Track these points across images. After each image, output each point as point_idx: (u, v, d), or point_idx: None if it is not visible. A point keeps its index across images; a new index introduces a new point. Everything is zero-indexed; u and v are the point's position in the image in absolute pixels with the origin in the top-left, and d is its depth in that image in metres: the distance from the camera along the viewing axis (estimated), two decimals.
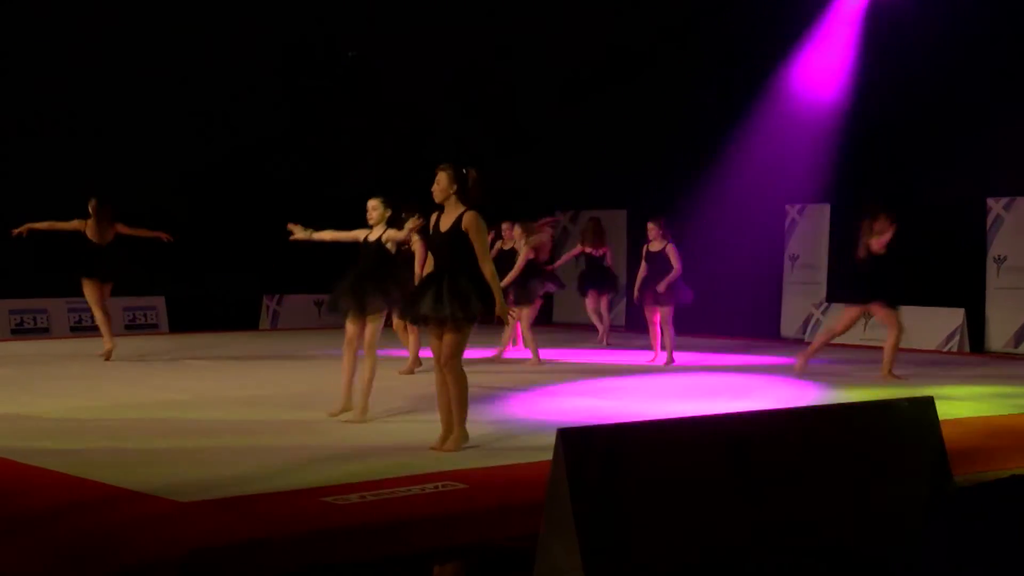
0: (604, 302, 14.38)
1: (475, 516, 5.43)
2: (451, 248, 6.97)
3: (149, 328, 16.13)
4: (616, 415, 8.39)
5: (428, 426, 7.81)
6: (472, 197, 7.06)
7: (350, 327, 8.04)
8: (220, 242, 16.47)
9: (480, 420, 7.90)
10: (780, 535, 4.64)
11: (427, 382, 10.49)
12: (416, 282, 10.63)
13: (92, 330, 15.43)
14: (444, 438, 7.05)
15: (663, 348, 12.26)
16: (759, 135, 15.94)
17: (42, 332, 15.30)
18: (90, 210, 12.23)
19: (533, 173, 17.49)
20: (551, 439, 4.22)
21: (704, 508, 4.46)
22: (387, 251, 7.97)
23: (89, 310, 16.07)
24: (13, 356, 12.69)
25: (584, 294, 14.27)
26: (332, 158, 16.92)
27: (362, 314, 7.95)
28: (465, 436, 7.08)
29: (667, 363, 12.02)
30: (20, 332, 15.14)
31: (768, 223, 16.49)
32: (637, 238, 17.44)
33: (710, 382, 10.88)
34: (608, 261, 14.16)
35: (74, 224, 12.14)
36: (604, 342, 14.29)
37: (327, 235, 8.23)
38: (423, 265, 10.76)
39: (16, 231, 12.01)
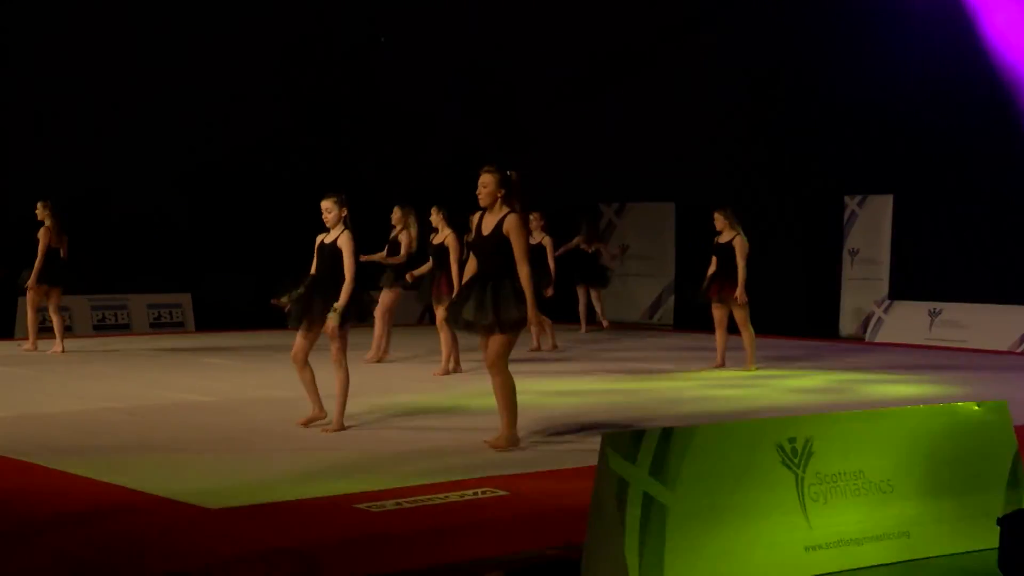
0: (595, 295, 15.87)
1: (517, 524, 5.43)
2: (494, 252, 7.09)
3: (174, 327, 16.29)
4: (664, 418, 8.37)
5: (456, 432, 7.85)
6: (516, 200, 7.14)
7: (299, 339, 7.91)
8: (246, 240, 16.68)
9: (520, 423, 7.90)
10: (841, 543, 4.61)
11: (455, 384, 10.54)
12: (455, 283, 10.73)
13: (114, 328, 15.66)
14: (501, 436, 7.27)
15: (728, 348, 11.97)
16: (815, 122, 15.82)
17: (64, 330, 15.46)
18: (49, 214, 12.53)
19: (576, 166, 17.51)
20: (595, 443, 4.22)
21: (759, 514, 4.44)
22: (341, 255, 7.80)
23: (112, 307, 16.19)
24: (32, 355, 12.87)
25: (575, 288, 15.67)
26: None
27: (308, 328, 7.85)
28: (513, 438, 7.19)
29: (747, 367, 11.68)
30: (42, 330, 15.30)
31: (826, 216, 16.37)
32: (685, 232, 17.45)
33: (764, 384, 10.81)
34: (602, 257, 15.87)
35: (45, 243, 12.54)
36: (583, 330, 15.70)
37: (349, 281, 7.82)
38: (459, 263, 10.83)
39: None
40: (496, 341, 7.06)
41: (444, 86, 17.67)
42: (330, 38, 17.16)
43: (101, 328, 15.70)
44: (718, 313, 11.82)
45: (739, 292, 11.44)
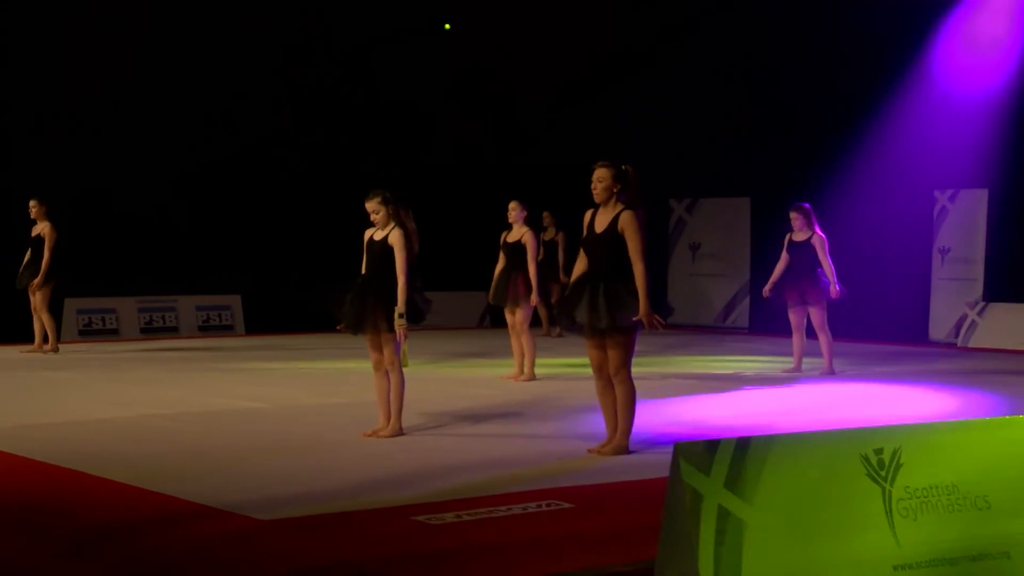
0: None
1: (583, 538, 5.43)
2: (607, 250, 7.14)
3: (224, 329, 16.52)
4: (740, 428, 8.33)
5: (520, 441, 7.87)
6: (631, 196, 7.18)
7: (369, 349, 8.00)
8: (299, 240, 16.94)
9: (584, 433, 7.91)
10: (933, 563, 4.55)
11: (521, 391, 10.56)
12: (533, 283, 10.74)
13: (162, 331, 15.92)
14: (607, 442, 7.38)
15: (807, 354, 11.88)
16: (903, 114, 15.63)
17: (111, 333, 15.79)
18: (44, 211, 12.79)
19: (643, 159, 17.52)
20: (666, 454, 4.21)
21: (841, 533, 4.41)
22: (391, 253, 7.85)
23: (160, 310, 16.51)
24: (80, 358, 13.12)
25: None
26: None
27: (364, 333, 7.93)
28: (625, 447, 7.30)
29: (826, 372, 11.63)
30: (88, 333, 15.64)
31: (913, 212, 16.15)
32: (761, 228, 17.32)
33: (846, 391, 10.71)
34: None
35: (52, 241, 12.87)
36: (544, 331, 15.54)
37: (402, 291, 7.82)
38: (536, 261, 10.85)
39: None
40: (616, 348, 7.13)
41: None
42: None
43: (149, 331, 15.97)
44: (796, 316, 11.73)
45: (833, 288, 11.35)
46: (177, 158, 16.49)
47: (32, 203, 13.03)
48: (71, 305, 15.59)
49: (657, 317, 7.07)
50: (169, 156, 16.44)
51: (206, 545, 5.22)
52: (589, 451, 7.40)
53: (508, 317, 11.25)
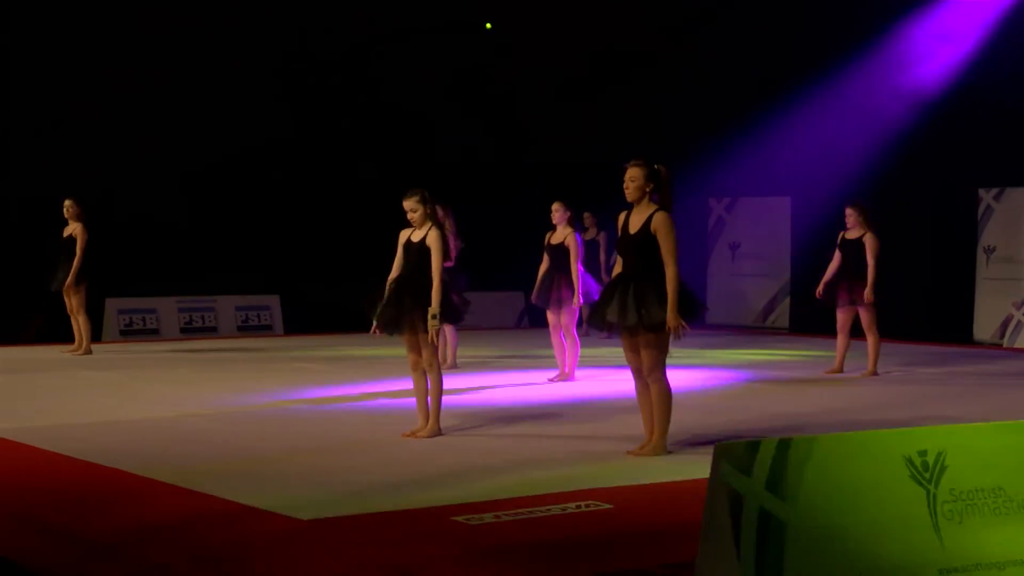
0: None
1: (624, 539, 5.42)
2: (640, 251, 7.12)
3: (263, 329, 16.61)
4: (781, 428, 8.27)
5: (558, 441, 7.86)
6: (664, 196, 7.17)
7: (407, 350, 8.00)
8: (336, 239, 17.06)
9: (624, 434, 7.89)
10: (980, 567, 4.50)
11: (560, 392, 10.55)
12: (576, 285, 10.73)
13: (201, 331, 16.05)
14: (645, 444, 7.38)
15: (842, 353, 11.78)
16: (947, 112, 15.48)
17: (151, 333, 15.92)
18: (78, 212, 12.94)
19: (682, 159, 17.48)
20: (706, 455, 4.19)
21: (884, 535, 4.37)
22: (428, 254, 7.85)
23: (200, 310, 16.65)
24: (121, 358, 13.24)
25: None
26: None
27: (401, 334, 7.94)
28: (663, 448, 7.29)
29: (868, 374, 11.54)
30: (129, 333, 15.78)
31: (958, 210, 15.98)
32: (801, 228, 17.20)
33: (890, 392, 10.62)
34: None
35: (84, 241, 12.91)
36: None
37: (437, 292, 7.78)
38: (578, 262, 10.84)
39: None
40: (649, 348, 7.12)
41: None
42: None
43: (188, 331, 16.09)
44: (843, 316, 11.61)
45: (868, 292, 11.23)
46: (213, 155, 16.61)
47: (67, 203, 13.10)
48: (112, 305, 15.73)
49: (683, 323, 7.01)
50: (205, 153, 16.56)
51: (246, 545, 5.24)
52: (628, 453, 7.38)
53: (550, 318, 11.24)
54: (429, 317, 7.73)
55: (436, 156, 18.05)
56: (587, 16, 17.46)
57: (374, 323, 8.05)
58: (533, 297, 11.49)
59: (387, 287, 8.01)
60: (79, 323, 13.20)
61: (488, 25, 18.28)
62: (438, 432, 7.98)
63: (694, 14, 17.44)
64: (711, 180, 17.95)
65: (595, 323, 7.51)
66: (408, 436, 7.96)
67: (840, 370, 11.74)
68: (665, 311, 7.01)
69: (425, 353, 7.92)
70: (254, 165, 17.30)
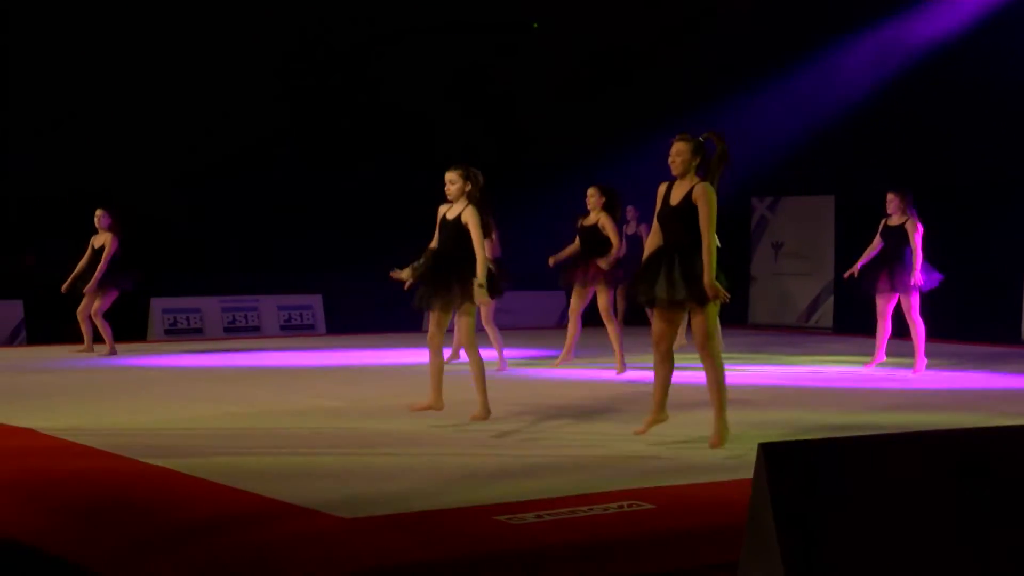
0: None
1: (666, 540, 5.40)
2: (682, 223, 7.14)
3: (305, 329, 16.72)
4: (827, 427, 8.21)
5: (601, 439, 7.84)
6: (710, 171, 7.22)
7: (433, 324, 8.04)
8: (380, 237, 17.16)
9: (665, 432, 7.86)
10: None
11: (601, 390, 10.53)
12: (614, 251, 10.76)
13: (244, 331, 16.19)
14: (650, 419, 7.47)
15: (884, 341, 11.65)
16: (988, 108, 15.29)
17: (195, 332, 16.07)
18: (110, 222, 13.05)
19: (729, 157, 17.44)
20: (749, 454, 4.16)
21: (929, 540, 4.32)
22: (466, 230, 7.84)
23: (243, 309, 16.78)
24: (165, 357, 13.36)
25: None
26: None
27: (445, 310, 7.97)
28: (726, 428, 7.27)
29: (916, 368, 11.46)
30: (173, 332, 15.94)
31: (1005, 208, 15.79)
32: (845, 227, 17.07)
33: (937, 392, 10.52)
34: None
35: (113, 249, 12.99)
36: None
37: (481, 263, 7.84)
38: (619, 244, 10.84)
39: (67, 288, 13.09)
40: (700, 321, 7.14)
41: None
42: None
43: (232, 330, 16.23)
44: (883, 302, 11.47)
45: (915, 275, 11.11)
46: (230, 151, 16.77)
47: (98, 213, 13.14)
48: (157, 305, 15.91)
49: (721, 288, 7.03)
50: (222, 151, 16.73)
51: (288, 543, 5.27)
52: (635, 432, 7.48)
53: (573, 300, 11.26)
54: (475, 287, 7.72)
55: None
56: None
57: (404, 274, 7.99)
58: (561, 279, 11.47)
59: (425, 256, 7.99)
60: (99, 325, 13.26)
61: (535, 24, 18.33)
62: (488, 412, 7.97)
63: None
64: (754, 179, 17.85)
65: (640, 296, 7.43)
66: (417, 410, 8.03)
67: (881, 359, 11.61)
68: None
69: (463, 328, 7.89)
70: (281, 162, 17.44)
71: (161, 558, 5.09)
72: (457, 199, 7.95)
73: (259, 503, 6.00)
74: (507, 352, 12.04)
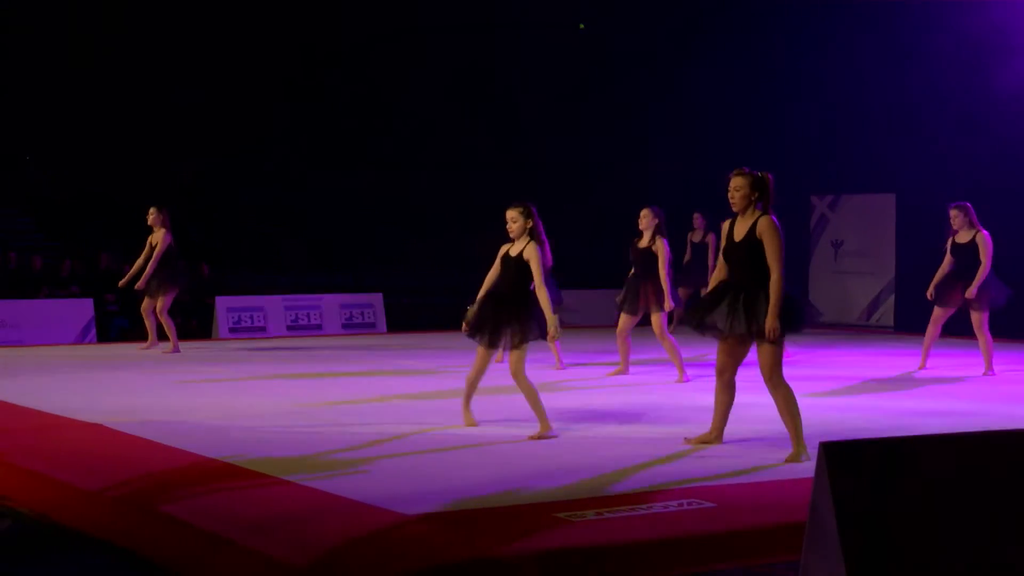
0: None
1: (726, 538, 5.39)
2: (747, 258, 7.13)
3: (366, 327, 16.86)
4: (888, 428, 8.15)
5: (660, 440, 7.83)
6: (769, 203, 7.16)
7: (479, 357, 8.10)
8: (433, 235, 17.31)
9: (728, 428, 7.84)
10: None
11: (661, 392, 10.51)
12: (666, 291, 10.69)
13: (306, 329, 16.36)
14: (707, 435, 7.57)
15: (929, 346, 11.56)
16: None
17: (259, 330, 16.27)
18: (162, 219, 13.21)
19: (783, 155, 17.31)
20: (810, 453, 4.15)
21: (993, 541, 4.28)
22: (527, 268, 7.90)
23: (305, 308, 16.94)
24: (230, 355, 13.53)
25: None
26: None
27: (493, 348, 8.01)
28: (804, 449, 7.08)
29: (986, 374, 11.38)
30: (237, 330, 16.15)
31: None
32: (907, 225, 16.89)
33: (999, 393, 10.38)
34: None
35: (164, 247, 13.16)
36: None
37: (545, 300, 7.89)
38: (668, 270, 10.77)
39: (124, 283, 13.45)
40: (766, 353, 7.09)
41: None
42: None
43: (294, 328, 16.43)
44: (941, 312, 11.39)
45: (971, 289, 10.98)
46: (327, 157, 16.98)
47: (151, 211, 13.38)
48: (222, 304, 16.14)
49: (775, 329, 6.95)
50: (323, 154, 16.95)
51: (352, 539, 5.33)
52: (685, 440, 7.60)
53: (622, 320, 11.18)
54: (550, 327, 7.86)
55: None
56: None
57: (465, 325, 8.16)
58: (618, 301, 11.33)
59: (479, 299, 8.09)
60: (163, 323, 13.46)
61: (581, 25, 18.32)
62: (551, 433, 7.98)
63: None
64: (814, 177, 17.72)
65: (694, 324, 7.42)
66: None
67: (923, 366, 11.58)
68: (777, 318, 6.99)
69: (516, 363, 7.93)
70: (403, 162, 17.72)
71: (231, 554, 5.16)
72: (519, 237, 8.02)
73: (325, 500, 6.06)
74: (564, 356, 12.12)
